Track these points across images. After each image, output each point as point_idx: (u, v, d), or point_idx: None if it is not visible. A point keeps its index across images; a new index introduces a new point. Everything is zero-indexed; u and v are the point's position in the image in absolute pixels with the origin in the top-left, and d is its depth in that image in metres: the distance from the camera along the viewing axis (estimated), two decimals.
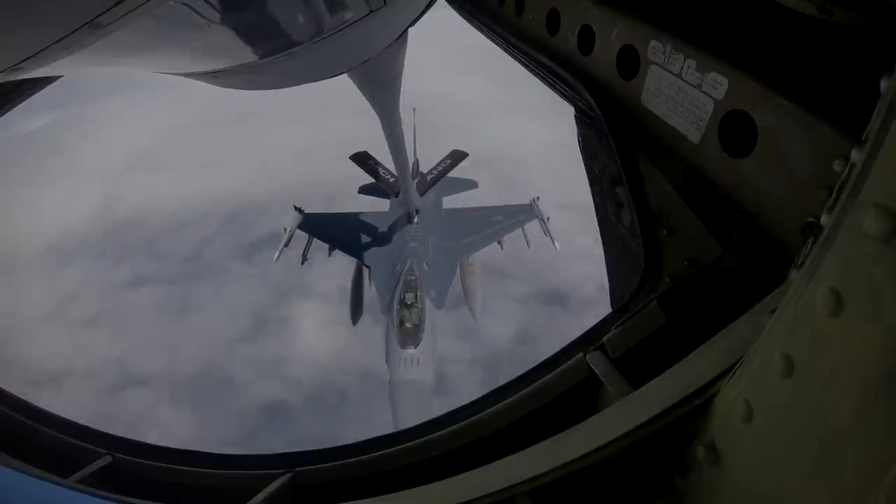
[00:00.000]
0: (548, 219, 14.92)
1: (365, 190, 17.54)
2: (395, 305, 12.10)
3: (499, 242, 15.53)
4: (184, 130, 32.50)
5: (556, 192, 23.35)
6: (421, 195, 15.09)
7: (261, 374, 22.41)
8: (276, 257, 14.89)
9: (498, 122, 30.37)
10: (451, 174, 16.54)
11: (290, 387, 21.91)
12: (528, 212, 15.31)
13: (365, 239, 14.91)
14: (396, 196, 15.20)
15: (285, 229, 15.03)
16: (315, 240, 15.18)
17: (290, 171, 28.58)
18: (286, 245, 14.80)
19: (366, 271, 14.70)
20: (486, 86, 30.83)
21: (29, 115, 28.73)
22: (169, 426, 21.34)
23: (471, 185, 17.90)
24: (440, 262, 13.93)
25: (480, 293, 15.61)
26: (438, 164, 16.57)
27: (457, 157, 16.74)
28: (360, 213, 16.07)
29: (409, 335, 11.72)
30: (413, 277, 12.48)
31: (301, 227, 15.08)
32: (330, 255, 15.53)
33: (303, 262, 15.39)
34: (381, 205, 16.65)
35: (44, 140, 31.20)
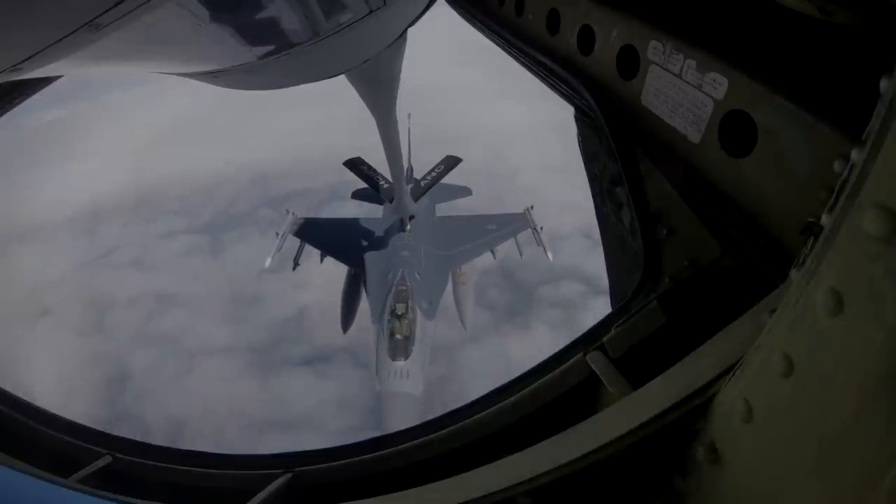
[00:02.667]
0: (541, 228, 14.76)
1: (358, 195, 17.41)
2: (386, 316, 11.93)
3: (492, 251, 15.39)
4: (200, 115, 34.37)
5: (541, 157, 28.51)
6: (415, 201, 14.97)
7: (286, 295, 25.18)
8: (267, 263, 14.70)
9: (486, 104, 33.74)
10: (445, 180, 16.46)
11: (312, 303, 24.29)
12: (521, 221, 15.16)
13: (357, 245, 14.73)
14: (390, 202, 15.08)
15: (277, 234, 14.91)
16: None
17: (305, 146, 31.42)
18: (278, 250, 14.67)
19: (358, 278, 14.58)
20: (475, 74, 33.49)
21: (39, 109, 30.54)
22: (205, 337, 24.65)
23: (465, 192, 17.77)
24: (432, 272, 13.71)
25: (472, 303, 15.43)
26: (432, 170, 16.45)
27: (450, 162, 16.62)
28: (352, 219, 15.96)
29: (399, 347, 11.57)
30: (404, 287, 12.29)
31: (293, 232, 14.98)
32: (322, 261, 15.37)
33: (294, 268, 15.23)
34: (375, 210, 16.61)
35: (62, 130, 33.63)
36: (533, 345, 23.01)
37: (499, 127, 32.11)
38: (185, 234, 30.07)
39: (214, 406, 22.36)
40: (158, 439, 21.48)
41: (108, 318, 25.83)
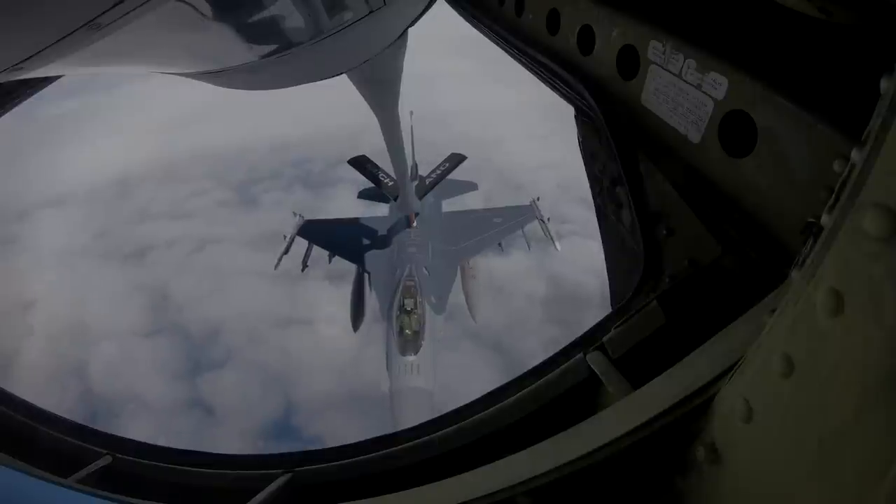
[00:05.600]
0: (548, 220, 14.87)
1: (364, 195, 17.50)
2: (395, 312, 12.00)
3: (499, 244, 15.44)
4: (215, 99, 37.11)
5: (527, 127, 33.84)
6: (420, 198, 15.03)
7: None
8: (275, 265, 14.78)
9: (477, 89, 38.15)
10: (451, 176, 16.54)
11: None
12: (528, 213, 15.26)
13: (364, 244, 14.81)
14: (396, 200, 15.14)
15: (285, 236, 14.97)
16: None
17: (319, 120, 35.02)
18: (286, 252, 14.72)
19: (366, 277, 14.63)
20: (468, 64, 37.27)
21: (53, 102, 34.15)
22: (237, 264, 28.68)
23: (470, 187, 17.89)
24: (440, 267, 13.80)
25: (482, 297, 15.50)
26: (437, 167, 16.57)
27: (455, 159, 16.72)
28: (359, 218, 16.03)
29: (409, 342, 11.62)
30: (412, 283, 12.37)
31: (300, 233, 15.04)
32: (330, 261, 15.43)
33: (303, 270, 15.30)
34: (381, 209, 16.73)
35: (78, 119, 37.38)
36: (508, 264, 26.68)
37: (488, 107, 37.39)
38: (217, 191, 34.86)
39: (246, 312, 26.21)
40: (197, 340, 26.21)
41: (150, 255, 30.49)
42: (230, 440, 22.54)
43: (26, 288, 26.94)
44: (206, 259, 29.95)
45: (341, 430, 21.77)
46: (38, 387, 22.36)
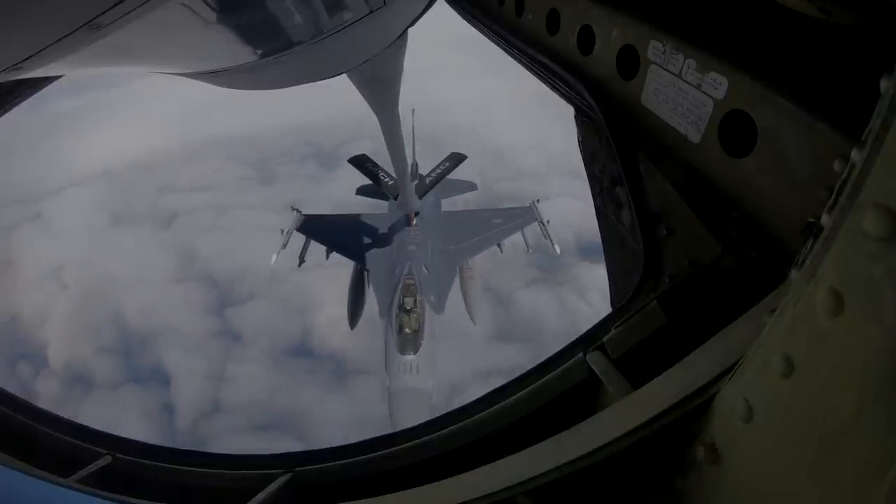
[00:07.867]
0: (548, 222, 14.83)
1: (363, 192, 17.46)
2: (395, 311, 11.88)
3: (498, 246, 15.40)
4: (220, 94, 37.74)
5: (517, 111, 35.19)
6: (420, 197, 14.98)
7: (325, 196, 31.38)
8: (272, 261, 14.71)
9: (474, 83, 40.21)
10: (450, 176, 16.53)
11: (343, 200, 29.05)
12: (527, 215, 15.22)
13: (363, 241, 14.73)
14: (395, 199, 15.11)
15: (283, 231, 14.92)
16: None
17: (325, 107, 36.19)
18: (283, 247, 14.68)
19: (364, 274, 14.60)
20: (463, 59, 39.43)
21: (53, 102, 35.36)
22: (259, 223, 30.53)
23: (470, 187, 17.89)
24: (439, 266, 13.70)
25: (480, 298, 15.40)
26: (437, 166, 16.54)
27: (456, 159, 16.69)
28: (358, 214, 15.96)
29: (409, 341, 11.52)
30: (412, 282, 12.24)
31: (299, 229, 14.99)
32: (328, 257, 15.38)
33: (300, 265, 15.23)
34: (380, 206, 16.69)
35: (85, 116, 39.28)
36: None
37: (484, 98, 39.13)
38: (233, 168, 38.02)
39: (266, 259, 27.50)
40: (222, 284, 30.00)
41: (177, 220, 34.15)
42: (255, 361, 27.05)
43: (69, 250, 30.96)
44: (228, 221, 33.92)
45: (350, 349, 25.87)
46: (85, 323, 28.24)
